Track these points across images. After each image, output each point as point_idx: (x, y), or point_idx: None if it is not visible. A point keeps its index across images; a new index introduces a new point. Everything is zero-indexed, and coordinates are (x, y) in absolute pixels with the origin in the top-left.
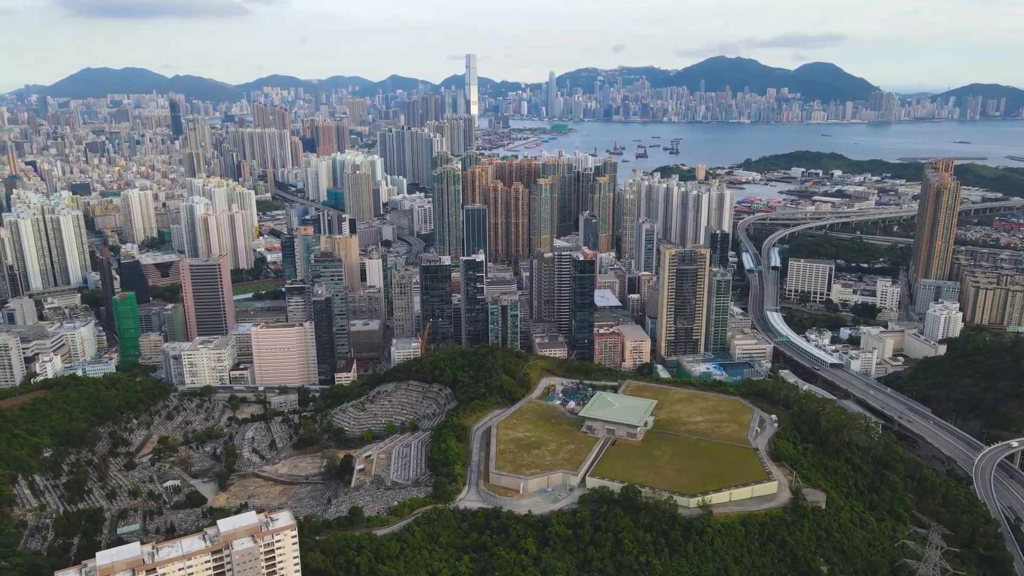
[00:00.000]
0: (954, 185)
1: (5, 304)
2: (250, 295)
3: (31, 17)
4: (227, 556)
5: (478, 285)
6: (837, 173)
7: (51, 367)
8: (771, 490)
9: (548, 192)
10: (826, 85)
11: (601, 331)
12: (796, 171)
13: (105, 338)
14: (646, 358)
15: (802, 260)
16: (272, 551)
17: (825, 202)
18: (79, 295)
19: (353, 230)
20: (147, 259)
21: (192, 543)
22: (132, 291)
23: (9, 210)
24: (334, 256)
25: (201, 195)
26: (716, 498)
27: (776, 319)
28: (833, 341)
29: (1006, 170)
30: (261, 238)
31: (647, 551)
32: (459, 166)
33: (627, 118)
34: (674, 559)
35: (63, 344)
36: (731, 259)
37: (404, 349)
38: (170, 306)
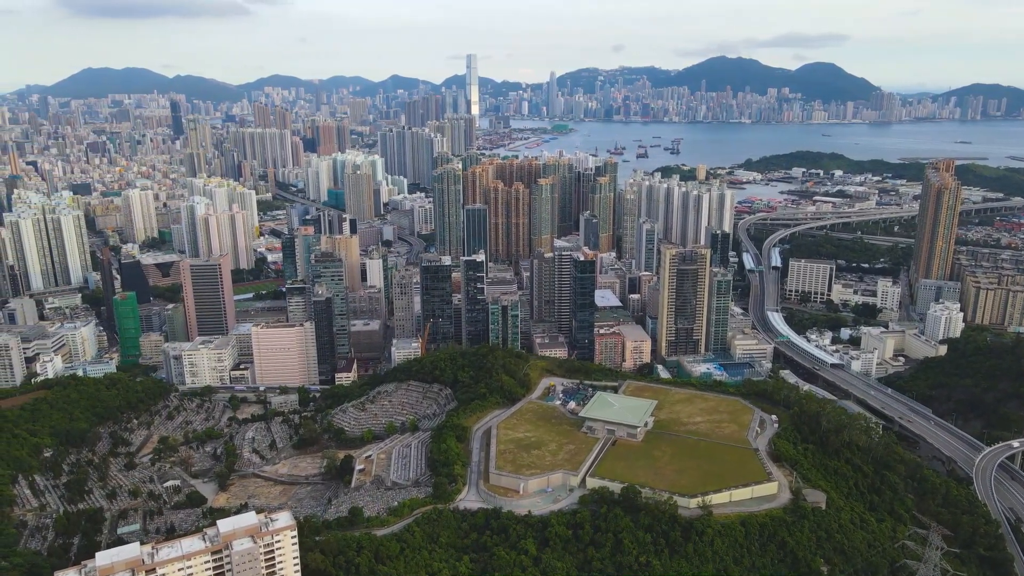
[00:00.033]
0: (955, 185)
1: (6, 304)
2: (251, 295)
3: (32, 17)
4: (227, 556)
5: (478, 285)
6: (838, 173)
7: (52, 367)
8: (771, 491)
9: (549, 192)
10: (827, 85)
11: (601, 331)
12: (797, 171)
13: (106, 338)
14: (646, 358)
15: (803, 260)
16: (272, 551)
17: (826, 202)
18: (80, 295)
19: (354, 230)
20: (148, 259)
21: (192, 543)
22: (133, 291)
23: (10, 210)
24: (335, 256)
25: (202, 195)
26: (716, 499)
27: (777, 319)
28: (834, 341)
29: (1007, 170)
30: (262, 238)
31: (647, 552)
32: (460, 166)
33: (628, 118)
34: (674, 560)
35: (64, 344)
36: (732, 259)
37: (404, 349)
38: (171, 306)
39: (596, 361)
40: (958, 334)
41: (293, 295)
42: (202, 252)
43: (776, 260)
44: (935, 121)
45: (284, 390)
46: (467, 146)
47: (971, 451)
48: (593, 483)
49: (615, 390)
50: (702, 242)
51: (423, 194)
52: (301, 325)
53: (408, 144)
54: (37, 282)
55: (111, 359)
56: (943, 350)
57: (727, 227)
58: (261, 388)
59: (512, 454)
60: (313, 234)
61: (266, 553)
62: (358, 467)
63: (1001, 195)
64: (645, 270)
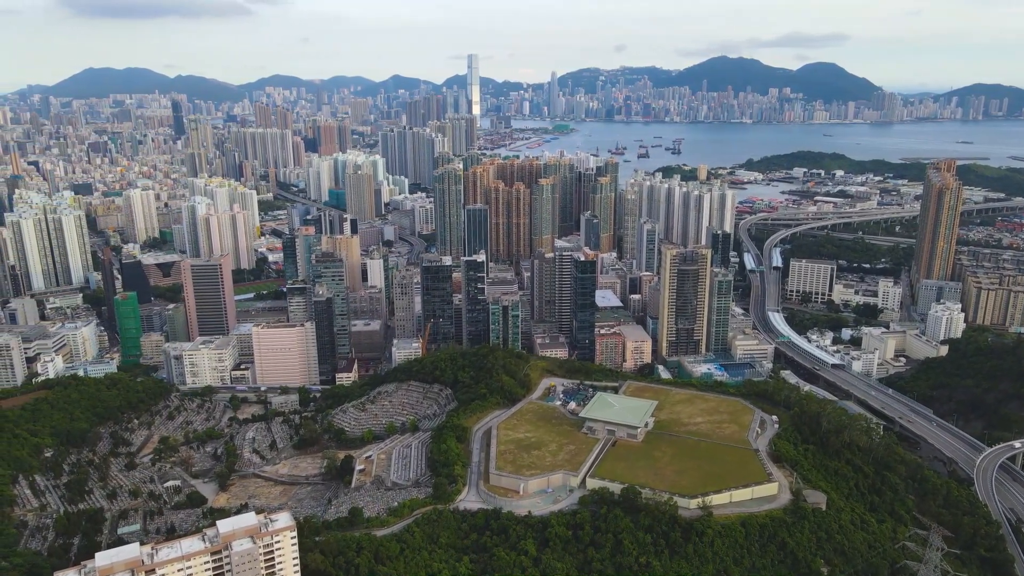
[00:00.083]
0: (956, 185)
1: (7, 304)
2: (251, 295)
3: (33, 17)
4: (226, 557)
5: (479, 285)
6: (839, 173)
7: (52, 367)
8: (771, 491)
9: (549, 192)
10: (828, 85)
11: (602, 331)
12: (798, 171)
13: (106, 338)
14: (647, 359)
15: (804, 260)
16: (271, 552)
17: (827, 202)
18: (81, 295)
19: (354, 230)
20: (149, 259)
21: (191, 544)
22: (134, 291)
23: (11, 210)
24: (335, 256)
25: (203, 195)
26: (716, 499)
27: (777, 319)
28: (834, 342)
29: (1009, 170)
30: (263, 238)
31: (647, 552)
32: (460, 166)
33: (629, 118)
34: (674, 560)
35: (64, 344)
36: (732, 259)
37: (405, 349)
38: (171, 306)
39: (597, 361)
40: (959, 334)
41: (294, 295)
42: (203, 252)
43: (777, 260)
44: (937, 121)
45: (285, 390)
46: (468, 146)
47: (972, 452)
48: (593, 484)
49: (615, 390)
50: (703, 242)
51: (424, 194)
52: (302, 325)
53: (409, 144)
54: (38, 282)
55: (112, 359)
56: (944, 350)
57: (728, 227)
58: (262, 388)
59: (512, 454)
60: (314, 234)
61: (266, 554)
62: (358, 467)
63: (1003, 195)
64: (646, 270)
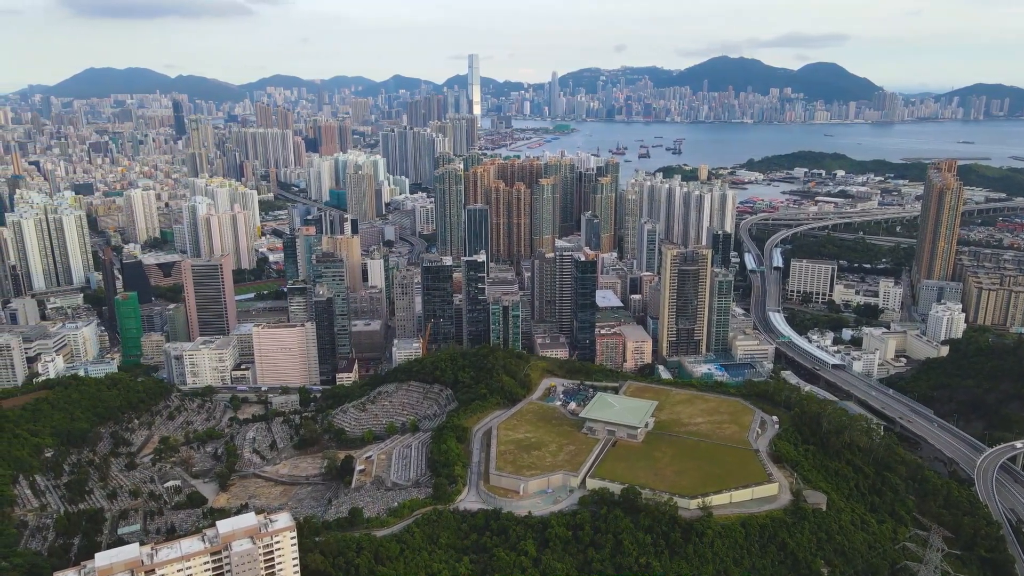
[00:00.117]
0: (957, 185)
1: (8, 304)
2: (252, 295)
3: (34, 17)
4: (226, 557)
5: (480, 285)
6: (840, 173)
7: (53, 367)
8: (772, 492)
9: (550, 192)
10: (829, 85)
11: (603, 332)
12: (799, 171)
13: (107, 338)
14: (647, 359)
15: (804, 260)
16: (271, 552)
17: (828, 202)
18: (81, 295)
19: (355, 230)
20: (149, 259)
21: (191, 544)
22: (134, 291)
23: (12, 210)
24: (336, 256)
25: (204, 195)
26: (716, 500)
27: (778, 320)
28: (835, 342)
29: (1010, 170)
30: (263, 238)
31: (647, 553)
32: (461, 166)
33: (630, 118)
34: (674, 561)
35: (65, 344)
36: (733, 259)
37: (405, 349)
38: (172, 306)
39: (597, 362)
40: (960, 335)
41: (294, 295)
42: (204, 252)
43: (778, 260)
44: (937, 121)
45: (285, 390)
46: (469, 146)
47: (972, 452)
48: (593, 484)
49: (616, 391)
50: (704, 242)
51: (425, 194)
52: (302, 325)
53: (410, 144)
54: (39, 282)
55: (112, 359)
56: (945, 351)
57: (729, 227)
58: (262, 388)
59: (512, 455)
60: (314, 234)
61: (265, 554)
62: (358, 468)
63: (1004, 195)
64: (646, 270)
